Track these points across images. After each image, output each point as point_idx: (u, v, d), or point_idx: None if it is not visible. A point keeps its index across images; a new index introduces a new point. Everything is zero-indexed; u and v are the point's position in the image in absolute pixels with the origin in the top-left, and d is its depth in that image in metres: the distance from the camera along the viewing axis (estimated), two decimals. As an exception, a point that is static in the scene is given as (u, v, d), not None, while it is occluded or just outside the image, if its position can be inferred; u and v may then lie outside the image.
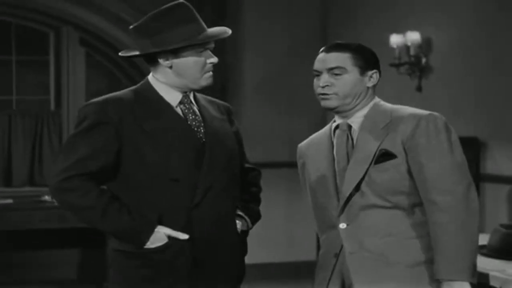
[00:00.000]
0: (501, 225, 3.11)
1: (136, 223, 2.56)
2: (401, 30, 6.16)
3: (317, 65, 2.64)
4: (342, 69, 2.61)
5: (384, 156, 2.55)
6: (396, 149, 2.55)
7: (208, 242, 2.61)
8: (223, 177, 2.65)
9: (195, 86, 2.67)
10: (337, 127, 2.69)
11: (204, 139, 2.64)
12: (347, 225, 2.58)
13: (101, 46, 7.63)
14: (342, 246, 2.59)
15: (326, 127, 2.76)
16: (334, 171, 2.63)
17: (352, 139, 2.64)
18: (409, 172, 2.55)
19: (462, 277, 2.45)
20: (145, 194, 2.58)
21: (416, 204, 2.56)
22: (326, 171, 2.65)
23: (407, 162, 2.54)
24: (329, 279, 2.62)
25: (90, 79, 7.73)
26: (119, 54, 2.78)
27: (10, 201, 6.80)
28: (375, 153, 2.56)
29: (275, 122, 7.10)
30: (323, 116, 7.15)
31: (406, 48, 6.11)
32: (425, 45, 6.08)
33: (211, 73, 2.68)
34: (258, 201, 2.88)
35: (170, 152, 2.58)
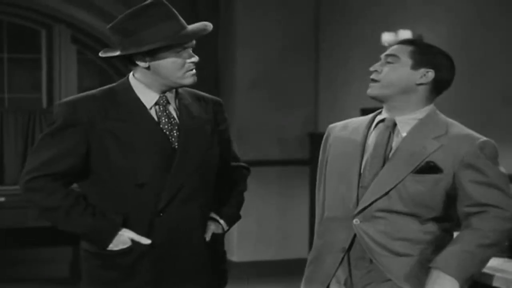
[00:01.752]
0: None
1: (100, 224, 2.55)
2: (393, 28, 6.17)
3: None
4: (395, 57, 2.59)
5: (430, 168, 2.51)
6: (446, 164, 2.50)
7: (171, 248, 2.58)
8: (192, 182, 2.59)
9: (177, 85, 2.60)
10: (381, 120, 2.62)
11: (176, 143, 2.58)
12: (361, 222, 2.54)
13: (93, 44, 7.62)
14: (353, 241, 2.56)
15: (365, 118, 2.70)
16: (361, 165, 2.58)
17: (394, 138, 2.58)
18: (446, 189, 2.52)
19: (457, 275, 2.44)
20: (110, 197, 2.57)
21: (433, 218, 2.54)
22: (352, 163, 2.59)
23: (453, 179, 2.51)
24: (334, 273, 2.58)
25: (82, 77, 7.72)
26: (99, 54, 2.68)
27: (2, 199, 6.80)
28: (421, 162, 2.51)
29: (267, 119, 7.11)
30: (315, 113, 7.16)
31: (398, 46, 6.12)
32: (417, 43, 6.09)
33: (193, 71, 2.58)
34: (238, 201, 2.81)
35: (137, 157, 2.54)
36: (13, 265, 6.98)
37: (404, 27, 6.10)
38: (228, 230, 2.75)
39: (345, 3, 7.01)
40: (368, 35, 6.45)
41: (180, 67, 2.55)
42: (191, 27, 2.58)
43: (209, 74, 7.03)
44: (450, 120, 2.63)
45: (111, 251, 2.56)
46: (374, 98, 2.62)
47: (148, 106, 2.60)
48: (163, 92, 2.61)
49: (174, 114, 2.62)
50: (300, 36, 7.15)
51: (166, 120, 2.60)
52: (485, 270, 2.73)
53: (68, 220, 2.55)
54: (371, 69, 2.61)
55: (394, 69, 2.58)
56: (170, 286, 2.60)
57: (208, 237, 2.65)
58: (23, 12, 7.43)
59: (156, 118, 2.59)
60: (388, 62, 2.59)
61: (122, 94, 2.60)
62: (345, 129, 2.70)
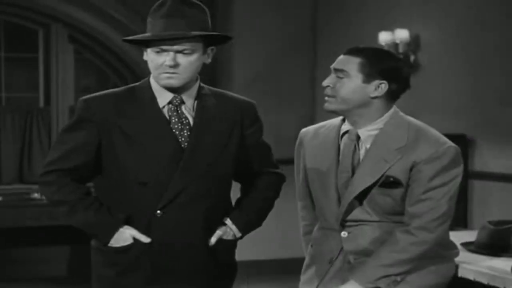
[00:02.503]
0: (489, 222, 3.12)
1: (102, 219, 2.57)
2: (390, 28, 6.18)
3: (332, 64, 2.61)
4: (345, 72, 2.56)
5: (391, 183, 2.52)
6: (403, 176, 2.52)
7: (168, 249, 2.57)
8: (200, 184, 2.57)
9: (160, 84, 2.60)
10: (346, 132, 2.63)
11: (186, 143, 2.58)
12: (349, 233, 2.58)
13: (90, 44, 7.62)
14: (340, 253, 2.60)
15: (334, 123, 2.69)
16: (337, 177, 2.60)
17: (359, 151, 2.59)
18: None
19: (363, 282, 2.49)
20: (115, 194, 2.60)
21: None
22: (329, 175, 2.62)
23: (407, 184, 2.53)
24: (320, 282, 2.62)
25: (79, 77, 7.72)
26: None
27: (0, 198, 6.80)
28: (381, 176, 2.52)
29: (264, 119, 7.07)
30: (312, 113, 7.16)
31: (395, 45, 6.13)
32: (414, 43, 6.10)
33: (167, 75, 2.55)
34: (258, 208, 2.75)
35: (142, 155, 2.55)
36: (10, 265, 6.98)
37: (402, 26, 6.10)
38: (241, 237, 2.71)
39: (342, 3, 7.02)
40: (365, 35, 6.45)
41: (155, 67, 2.57)
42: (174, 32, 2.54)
43: (206, 74, 7.03)
44: (415, 123, 2.61)
45: (111, 247, 2.57)
46: (332, 112, 2.61)
47: (161, 105, 2.61)
48: (174, 91, 2.60)
49: (186, 114, 2.62)
50: (297, 35, 7.16)
51: (177, 119, 2.60)
52: (484, 269, 2.74)
53: (73, 214, 2.57)
54: (324, 84, 2.59)
55: (347, 85, 2.56)
56: (165, 287, 2.59)
57: (212, 241, 2.61)
58: (20, 11, 7.43)
59: (167, 118, 2.60)
60: (339, 77, 2.57)
61: (140, 92, 2.63)
62: (316, 137, 2.71)
